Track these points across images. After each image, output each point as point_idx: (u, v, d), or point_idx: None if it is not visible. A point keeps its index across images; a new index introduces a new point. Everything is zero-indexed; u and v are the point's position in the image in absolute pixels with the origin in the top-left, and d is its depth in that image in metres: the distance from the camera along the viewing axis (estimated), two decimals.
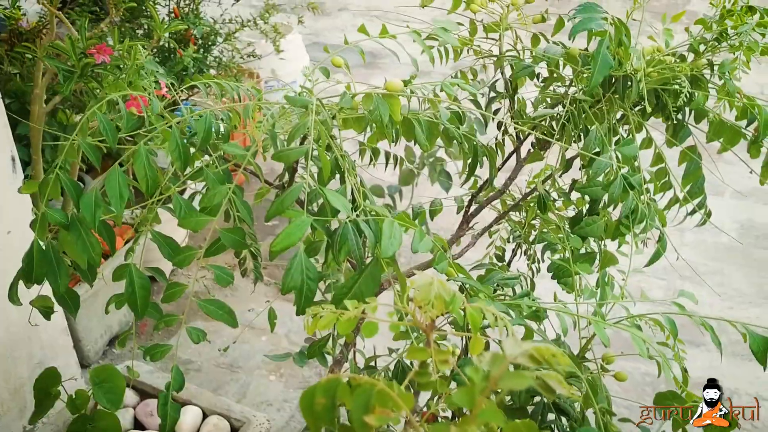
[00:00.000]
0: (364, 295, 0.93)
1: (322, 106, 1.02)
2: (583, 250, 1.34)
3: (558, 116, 1.28)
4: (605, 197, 1.26)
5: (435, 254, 1.00)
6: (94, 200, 1.09)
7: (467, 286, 1.05)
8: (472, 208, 1.56)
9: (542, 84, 1.45)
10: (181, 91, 1.64)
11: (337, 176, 1.13)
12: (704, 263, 3.56)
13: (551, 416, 1.05)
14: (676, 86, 1.23)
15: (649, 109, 1.30)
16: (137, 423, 2.17)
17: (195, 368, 2.93)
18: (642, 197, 1.22)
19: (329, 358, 1.68)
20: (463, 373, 1.01)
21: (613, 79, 1.27)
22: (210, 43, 3.45)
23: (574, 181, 1.34)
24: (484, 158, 1.31)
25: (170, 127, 1.10)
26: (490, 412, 0.52)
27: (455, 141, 1.24)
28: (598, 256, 1.32)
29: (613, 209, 1.35)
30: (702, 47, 1.29)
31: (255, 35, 3.86)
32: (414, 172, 2.02)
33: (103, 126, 1.09)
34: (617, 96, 1.26)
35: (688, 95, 1.19)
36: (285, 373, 2.89)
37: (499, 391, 0.52)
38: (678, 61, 1.31)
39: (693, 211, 1.47)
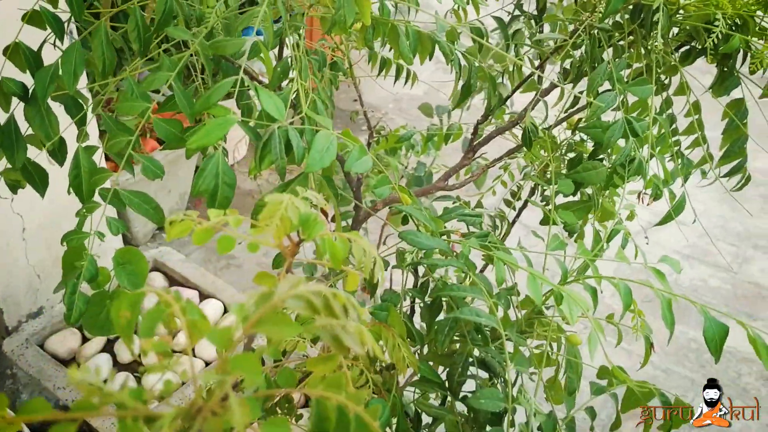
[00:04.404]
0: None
1: None
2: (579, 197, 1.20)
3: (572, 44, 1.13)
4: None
5: (378, 177, 0.90)
6: (50, 76, 1.05)
7: (415, 218, 0.94)
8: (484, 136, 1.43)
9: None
10: None
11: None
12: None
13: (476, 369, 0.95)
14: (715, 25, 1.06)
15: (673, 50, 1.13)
16: None
17: (236, 264, 2.95)
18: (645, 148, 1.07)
19: None
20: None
21: (642, 10, 1.10)
22: None
23: (579, 120, 1.20)
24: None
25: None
26: (244, 360, 0.44)
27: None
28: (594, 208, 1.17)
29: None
30: None
31: None
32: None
33: None
34: (643, 30, 1.10)
35: (720, 36, 1.02)
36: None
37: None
38: None
39: (730, 173, 1.30)
